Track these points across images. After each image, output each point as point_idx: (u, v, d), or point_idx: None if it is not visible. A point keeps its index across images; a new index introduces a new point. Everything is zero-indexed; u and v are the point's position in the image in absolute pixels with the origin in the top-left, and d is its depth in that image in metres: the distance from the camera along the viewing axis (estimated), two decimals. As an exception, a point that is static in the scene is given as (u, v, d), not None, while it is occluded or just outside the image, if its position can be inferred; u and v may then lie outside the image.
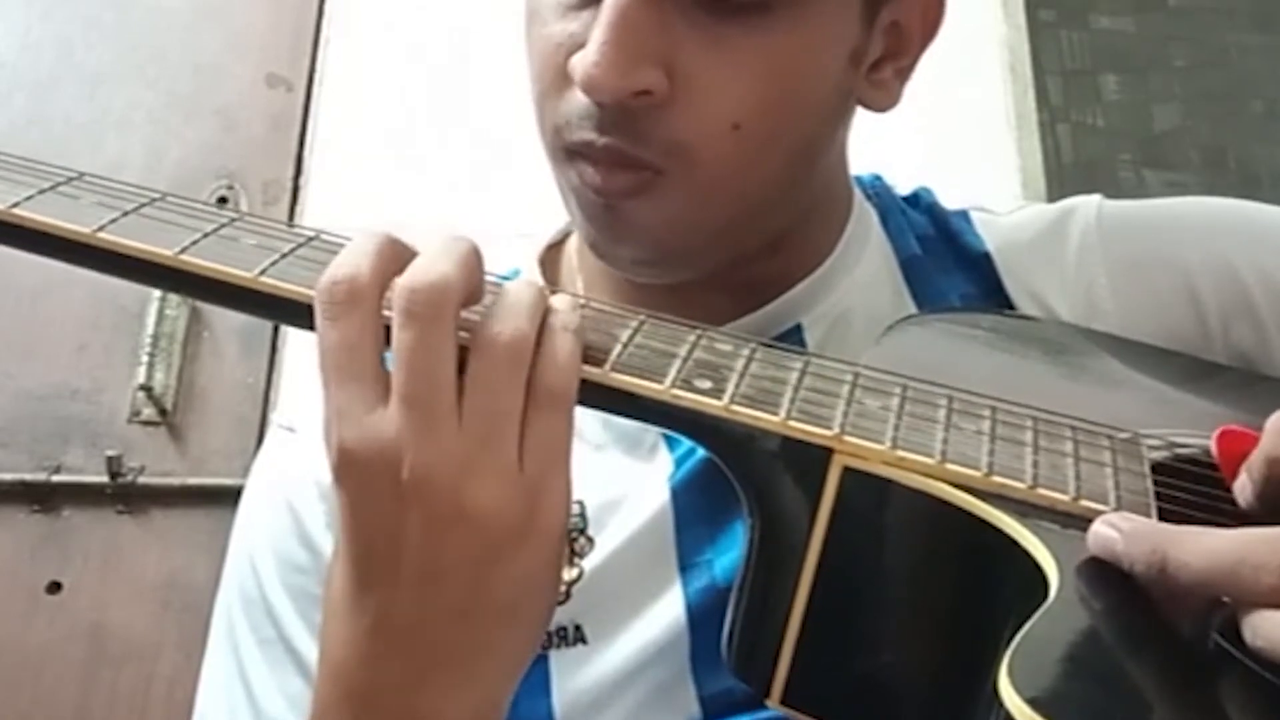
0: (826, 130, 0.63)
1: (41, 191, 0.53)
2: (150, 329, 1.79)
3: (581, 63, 0.55)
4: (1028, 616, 0.42)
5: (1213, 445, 0.50)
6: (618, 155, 0.57)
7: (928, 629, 0.50)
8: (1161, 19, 2.07)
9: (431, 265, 0.47)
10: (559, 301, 0.50)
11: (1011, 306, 0.67)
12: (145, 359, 1.78)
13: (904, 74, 0.65)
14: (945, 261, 0.69)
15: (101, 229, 0.52)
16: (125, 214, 0.53)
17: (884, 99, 0.64)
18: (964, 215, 0.72)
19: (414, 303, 0.46)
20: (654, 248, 0.61)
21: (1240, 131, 2.02)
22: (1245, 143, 2.01)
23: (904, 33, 0.63)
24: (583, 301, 0.52)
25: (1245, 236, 0.68)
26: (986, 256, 0.69)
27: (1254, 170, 2.00)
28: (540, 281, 0.64)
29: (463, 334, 0.48)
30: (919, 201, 0.73)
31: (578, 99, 0.57)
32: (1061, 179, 1.92)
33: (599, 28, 0.55)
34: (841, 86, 0.62)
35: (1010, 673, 0.40)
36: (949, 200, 0.74)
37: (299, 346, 1.77)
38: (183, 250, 0.51)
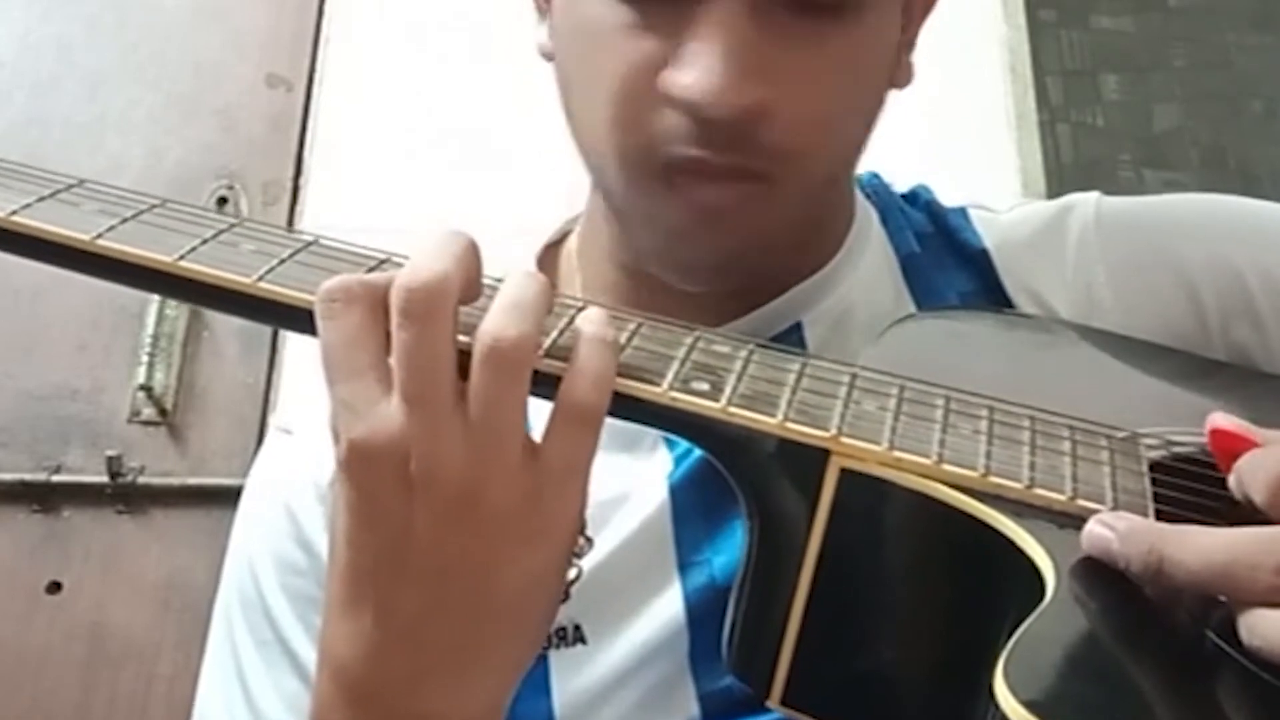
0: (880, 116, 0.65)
1: (41, 199, 0.53)
2: (150, 329, 1.79)
3: (698, 83, 0.54)
4: (1025, 617, 0.42)
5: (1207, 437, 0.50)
6: (738, 170, 0.57)
7: (926, 629, 0.50)
8: (1161, 19, 2.08)
9: (427, 263, 0.47)
10: (591, 313, 0.49)
11: (1010, 304, 0.67)
12: (145, 359, 1.78)
13: (910, 48, 0.66)
14: (944, 259, 0.69)
15: (100, 236, 0.51)
16: (124, 220, 0.53)
17: (903, 76, 0.65)
18: (962, 213, 0.72)
19: (410, 302, 0.46)
20: (741, 257, 0.60)
21: (1240, 131, 2.02)
22: (1245, 143, 2.01)
23: (912, 8, 0.64)
24: (581, 302, 0.51)
25: (1245, 234, 0.68)
26: (985, 254, 0.69)
27: (1254, 170, 2.00)
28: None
29: (463, 338, 0.47)
30: (917, 199, 0.73)
31: (671, 116, 0.56)
32: (1061, 179, 1.92)
33: (709, 45, 0.54)
34: (892, 70, 0.63)
35: (1005, 674, 0.40)
36: (949, 200, 0.74)
37: (299, 347, 1.77)
38: (181, 256, 0.51)
